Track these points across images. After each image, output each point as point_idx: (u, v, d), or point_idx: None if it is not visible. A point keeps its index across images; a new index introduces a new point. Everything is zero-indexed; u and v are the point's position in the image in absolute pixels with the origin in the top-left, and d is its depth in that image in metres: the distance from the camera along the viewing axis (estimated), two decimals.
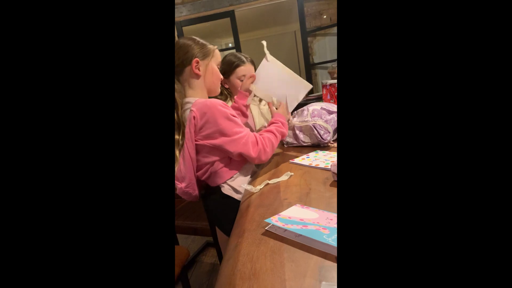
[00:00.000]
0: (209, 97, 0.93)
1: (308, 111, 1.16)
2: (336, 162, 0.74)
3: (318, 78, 3.26)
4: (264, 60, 1.04)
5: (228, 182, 0.92)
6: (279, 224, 0.55)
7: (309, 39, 3.14)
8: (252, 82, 1.03)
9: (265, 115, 1.44)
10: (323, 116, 1.12)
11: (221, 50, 3.58)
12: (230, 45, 3.43)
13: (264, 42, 1.05)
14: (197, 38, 0.91)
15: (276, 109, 1.05)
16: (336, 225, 0.52)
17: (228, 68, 1.21)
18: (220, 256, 1.40)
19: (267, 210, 0.66)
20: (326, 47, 3.23)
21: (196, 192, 0.90)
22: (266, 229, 0.57)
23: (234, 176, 0.92)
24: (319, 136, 1.09)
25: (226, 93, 1.31)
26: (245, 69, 1.21)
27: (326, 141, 1.09)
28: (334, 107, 1.17)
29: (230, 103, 1.36)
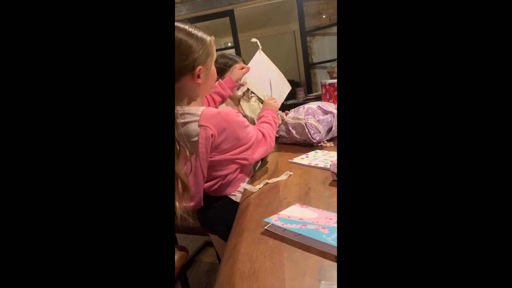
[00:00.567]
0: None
1: (304, 109, 1.18)
2: (335, 161, 0.74)
3: (317, 78, 3.26)
4: (257, 53, 1.09)
5: (239, 189, 0.88)
6: (279, 223, 0.55)
7: (308, 38, 3.14)
8: (244, 73, 1.06)
9: (256, 111, 1.46)
10: (317, 115, 1.13)
11: (220, 50, 3.57)
12: (229, 44, 3.42)
13: (254, 39, 1.10)
14: (193, 30, 0.75)
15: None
16: (335, 225, 0.52)
17: (223, 68, 1.23)
18: (219, 256, 1.40)
19: (266, 209, 0.66)
20: (325, 47, 3.23)
21: (202, 204, 0.86)
22: (265, 229, 0.57)
23: (244, 182, 0.88)
24: (309, 135, 1.10)
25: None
26: (240, 67, 1.24)
27: (315, 141, 1.10)
28: (330, 107, 1.17)
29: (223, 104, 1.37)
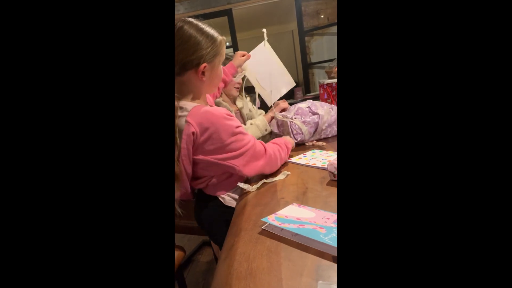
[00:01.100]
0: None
1: (294, 108, 1.18)
2: (332, 161, 0.74)
3: (315, 78, 3.27)
4: (261, 44, 1.09)
5: (230, 193, 0.85)
6: (276, 223, 0.55)
7: (306, 38, 3.14)
8: (245, 60, 1.08)
9: (252, 109, 1.47)
10: (304, 116, 1.13)
11: None
12: (227, 44, 3.42)
13: (264, 30, 1.10)
14: (205, 27, 0.74)
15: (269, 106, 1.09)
16: (332, 224, 0.52)
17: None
18: (216, 255, 1.40)
19: (263, 209, 0.66)
20: (323, 47, 3.24)
21: (190, 197, 0.85)
22: (262, 228, 0.56)
23: (236, 187, 0.84)
24: (292, 134, 1.12)
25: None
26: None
27: (296, 141, 1.13)
28: (320, 108, 1.16)
29: (220, 98, 1.38)
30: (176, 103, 0.72)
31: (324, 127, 1.14)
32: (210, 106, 0.78)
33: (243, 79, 1.35)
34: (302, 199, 0.67)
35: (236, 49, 3.13)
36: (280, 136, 1.17)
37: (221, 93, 1.40)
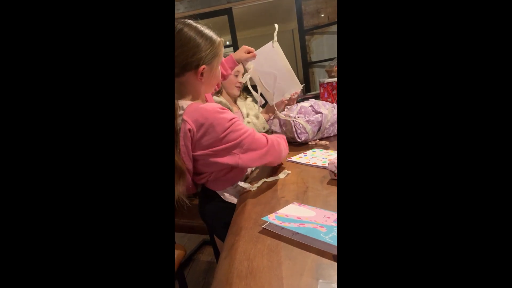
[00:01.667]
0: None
1: (297, 107, 1.18)
2: (333, 160, 0.74)
3: (315, 77, 3.26)
4: (270, 43, 1.04)
5: (230, 190, 0.87)
6: (276, 222, 0.55)
7: (306, 37, 3.14)
8: (249, 58, 1.04)
9: (253, 109, 1.46)
10: (307, 115, 1.13)
11: None
12: (227, 43, 3.41)
13: (276, 26, 1.03)
14: (204, 29, 0.77)
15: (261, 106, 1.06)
16: (333, 223, 0.52)
17: None
18: (217, 255, 1.40)
19: (264, 208, 0.66)
20: (323, 46, 3.23)
21: (194, 190, 0.87)
22: (263, 227, 0.56)
23: (236, 184, 0.84)
24: (296, 134, 1.11)
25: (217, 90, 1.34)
26: (240, 65, 1.23)
27: (300, 140, 1.12)
28: (323, 107, 1.16)
29: (221, 97, 1.37)
30: (176, 103, 0.73)
31: (327, 126, 1.14)
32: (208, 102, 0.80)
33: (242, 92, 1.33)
34: (303, 198, 0.67)
35: (236, 48, 3.13)
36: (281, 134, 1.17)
37: (221, 90, 1.40)
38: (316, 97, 1.54)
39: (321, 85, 1.54)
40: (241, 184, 0.78)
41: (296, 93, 1.22)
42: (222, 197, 0.87)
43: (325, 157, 0.94)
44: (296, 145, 1.14)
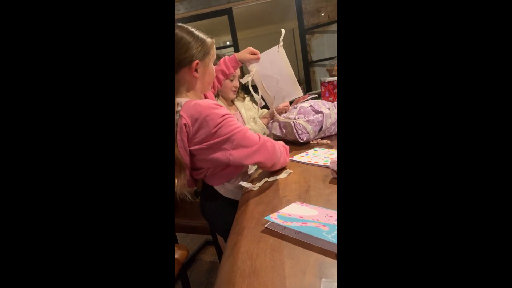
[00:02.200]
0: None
1: (296, 108, 1.17)
2: (335, 159, 0.74)
3: (316, 76, 3.26)
4: (275, 47, 1.03)
5: (227, 185, 0.89)
6: (279, 221, 0.55)
7: (307, 36, 3.13)
8: (252, 59, 1.04)
9: (251, 110, 1.46)
10: (308, 115, 1.12)
11: (219, 48, 3.56)
12: (228, 43, 3.40)
13: (283, 30, 1.02)
14: (195, 31, 0.82)
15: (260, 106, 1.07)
16: (335, 222, 0.52)
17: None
18: (220, 255, 1.40)
19: (266, 207, 0.66)
20: (324, 45, 3.23)
21: (193, 185, 0.89)
22: (265, 227, 0.56)
23: (233, 179, 0.89)
24: (297, 135, 1.10)
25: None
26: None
27: (302, 141, 1.11)
28: (323, 107, 1.15)
29: (218, 101, 1.37)
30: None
31: (329, 125, 1.13)
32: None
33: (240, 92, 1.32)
34: (305, 197, 0.67)
35: (236, 48, 3.13)
36: (284, 139, 1.17)
37: (218, 94, 1.40)
38: (317, 96, 1.54)
39: (322, 84, 1.54)
40: (243, 183, 0.78)
41: (303, 97, 1.22)
42: (221, 192, 0.89)
43: (326, 156, 0.94)
44: (298, 144, 1.14)
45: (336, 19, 2.61)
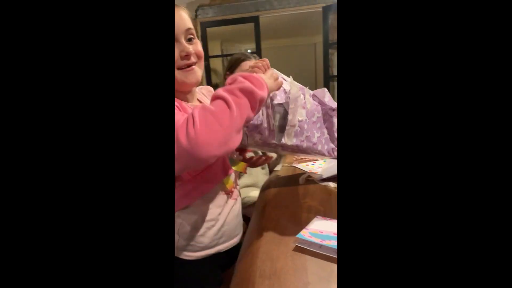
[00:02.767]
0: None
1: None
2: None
3: (335, 91, 3.25)
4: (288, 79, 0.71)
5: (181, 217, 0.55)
6: (314, 239, 0.49)
7: (330, 51, 3.14)
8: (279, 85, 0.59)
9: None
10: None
11: None
12: (249, 50, 3.43)
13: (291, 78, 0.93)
14: None
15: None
16: None
17: (234, 63, 1.18)
18: None
19: (284, 212, 0.64)
20: None
21: None
22: (297, 245, 0.49)
23: (190, 206, 0.55)
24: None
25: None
26: (250, 63, 1.16)
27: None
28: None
29: None
30: None
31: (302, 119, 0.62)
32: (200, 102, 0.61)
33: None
34: (326, 205, 0.64)
35: (259, 56, 3.15)
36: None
37: None
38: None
39: None
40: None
41: None
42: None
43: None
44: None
45: None
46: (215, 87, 0.59)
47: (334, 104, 0.70)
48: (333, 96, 0.71)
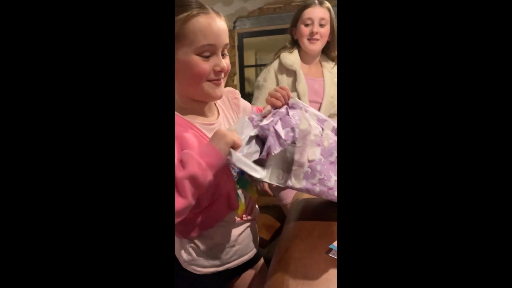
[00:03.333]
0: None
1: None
2: None
3: None
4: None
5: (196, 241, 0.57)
6: None
7: None
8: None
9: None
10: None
11: None
12: None
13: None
14: None
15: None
16: None
17: (296, 14, 1.03)
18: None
19: (319, 222, 0.64)
20: None
21: None
22: (330, 255, 0.49)
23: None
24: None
25: (292, 44, 1.10)
26: (313, 10, 0.98)
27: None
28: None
29: (296, 57, 1.07)
30: None
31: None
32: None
33: None
34: None
35: None
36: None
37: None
38: None
39: None
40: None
41: None
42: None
43: None
44: None
45: None
46: (249, 96, 0.58)
47: None
48: None
